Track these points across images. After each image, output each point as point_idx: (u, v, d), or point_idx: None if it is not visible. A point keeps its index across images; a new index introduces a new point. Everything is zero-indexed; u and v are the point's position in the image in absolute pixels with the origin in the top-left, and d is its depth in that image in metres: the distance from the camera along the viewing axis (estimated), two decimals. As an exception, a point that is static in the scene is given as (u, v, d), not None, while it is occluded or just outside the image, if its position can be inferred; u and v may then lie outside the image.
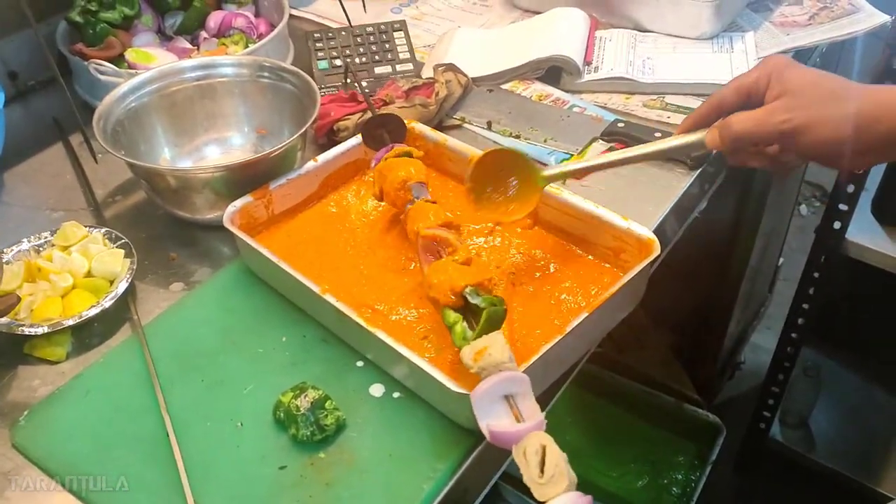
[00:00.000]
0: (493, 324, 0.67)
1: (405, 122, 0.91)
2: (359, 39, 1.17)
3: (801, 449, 1.70)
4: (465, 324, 0.68)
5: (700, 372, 1.79)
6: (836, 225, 1.35)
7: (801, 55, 1.18)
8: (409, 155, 0.86)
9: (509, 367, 0.62)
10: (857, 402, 1.78)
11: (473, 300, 0.68)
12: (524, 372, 0.63)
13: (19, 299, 0.70)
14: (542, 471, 0.58)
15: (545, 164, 0.80)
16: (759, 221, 1.49)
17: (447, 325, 0.69)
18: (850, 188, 1.31)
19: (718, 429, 1.65)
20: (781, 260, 2.01)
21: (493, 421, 0.61)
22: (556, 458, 0.58)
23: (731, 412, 1.83)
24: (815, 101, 0.66)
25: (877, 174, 1.36)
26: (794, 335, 1.57)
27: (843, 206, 1.33)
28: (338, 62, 1.15)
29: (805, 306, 1.51)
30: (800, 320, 1.54)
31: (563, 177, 0.80)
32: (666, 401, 1.71)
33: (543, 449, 0.59)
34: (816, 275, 1.45)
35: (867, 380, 1.81)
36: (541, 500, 0.57)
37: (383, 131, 0.89)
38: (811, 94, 0.66)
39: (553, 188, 0.83)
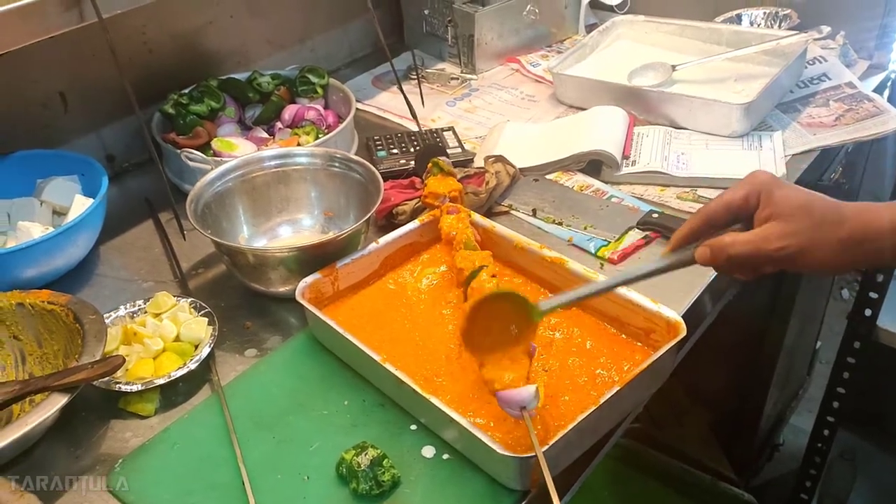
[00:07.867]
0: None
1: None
2: (414, 139, 1.30)
3: (840, 533, 1.71)
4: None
5: (738, 451, 1.81)
6: (868, 312, 1.40)
7: (829, 153, 1.27)
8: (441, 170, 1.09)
9: None
10: (893, 486, 1.79)
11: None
12: (559, 440, 0.73)
13: (124, 360, 0.81)
14: None
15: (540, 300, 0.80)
16: (792, 304, 1.54)
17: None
18: (880, 277, 1.37)
19: (754, 508, 1.67)
20: (819, 343, 2.04)
21: None
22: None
23: (771, 493, 1.84)
24: (807, 227, 0.69)
25: (906, 263, 1.41)
26: (829, 418, 1.60)
27: (873, 295, 1.38)
28: (394, 150, 1.27)
29: (840, 390, 1.55)
30: (835, 404, 1.57)
31: (558, 308, 0.79)
32: (702, 478, 1.74)
33: None
34: (851, 360, 1.50)
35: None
36: None
37: (430, 160, 1.13)
38: (803, 219, 0.69)
39: (590, 273, 0.93)
